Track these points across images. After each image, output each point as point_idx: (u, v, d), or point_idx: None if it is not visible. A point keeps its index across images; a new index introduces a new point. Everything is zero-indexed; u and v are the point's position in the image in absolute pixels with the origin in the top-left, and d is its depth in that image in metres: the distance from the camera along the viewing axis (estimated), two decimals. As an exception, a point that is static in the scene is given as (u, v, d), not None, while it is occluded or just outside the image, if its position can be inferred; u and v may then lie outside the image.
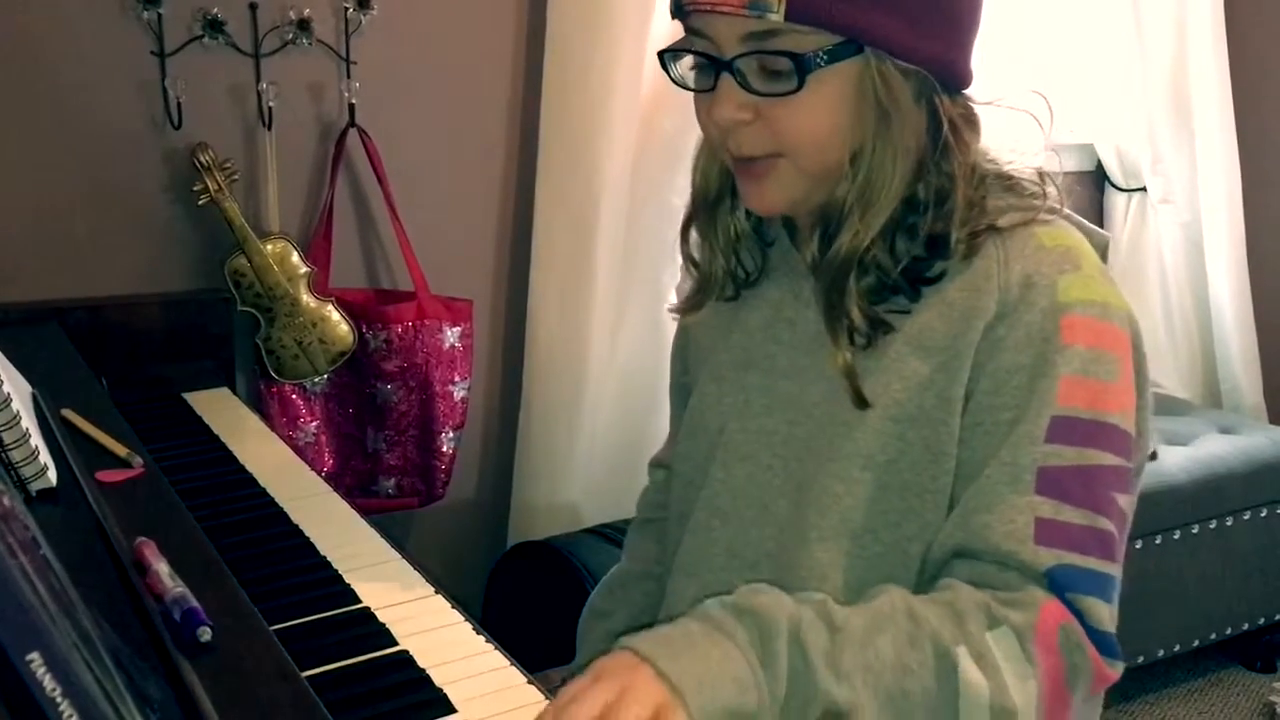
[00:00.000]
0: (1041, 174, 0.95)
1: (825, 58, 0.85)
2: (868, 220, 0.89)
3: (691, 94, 0.94)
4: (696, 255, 1.04)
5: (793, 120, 0.88)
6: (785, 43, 0.85)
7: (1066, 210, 0.95)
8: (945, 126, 0.89)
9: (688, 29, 0.91)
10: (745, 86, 0.88)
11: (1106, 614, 0.84)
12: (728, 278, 1.02)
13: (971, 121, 0.93)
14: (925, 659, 0.78)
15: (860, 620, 0.79)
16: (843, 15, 0.84)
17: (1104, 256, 0.95)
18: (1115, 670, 0.86)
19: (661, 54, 0.93)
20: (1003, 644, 0.80)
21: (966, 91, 0.93)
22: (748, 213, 1.01)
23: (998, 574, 0.84)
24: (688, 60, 0.93)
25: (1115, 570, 0.87)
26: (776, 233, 1.02)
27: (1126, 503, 0.88)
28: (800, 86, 0.86)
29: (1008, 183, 0.94)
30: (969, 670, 0.78)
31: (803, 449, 0.95)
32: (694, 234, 1.03)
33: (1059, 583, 0.83)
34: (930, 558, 0.90)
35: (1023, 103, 0.95)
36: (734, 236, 1.01)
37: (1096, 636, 0.83)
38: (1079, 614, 0.83)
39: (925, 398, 0.89)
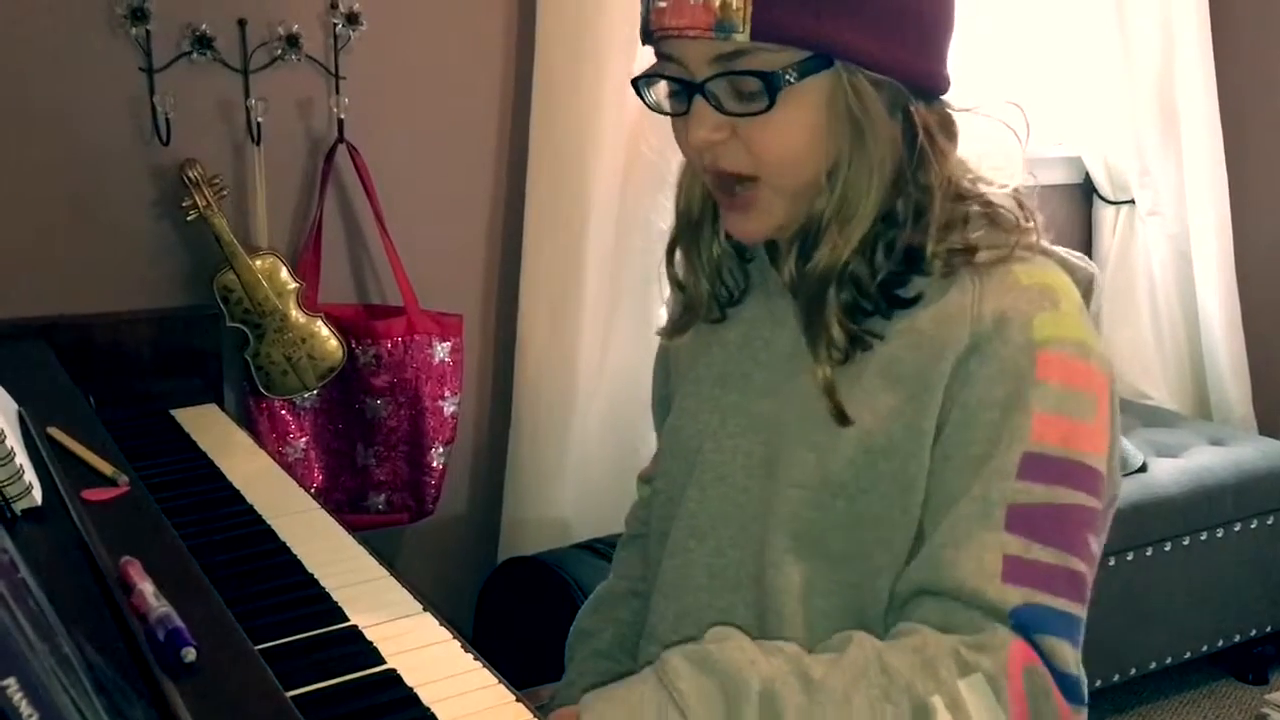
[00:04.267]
0: (1021, 203, 0.94)
1: (794, 74, 0.85)
2: (846, 234, 0.89)
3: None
4: (681, 277, 1.03)
5: (768, 138, 0.88)
6: (754, 62, 0.85)
7: (1044, 245, 0.93)
8: (921, 136, 0.89)
9: (658, 54, 0.91)
10: (718, 108, 0.87)
11: (1072, 657, 0.83)
12: (712, 300, 1.02)
13: (948, 129, 0.92)
14: (902, 713, 0.78)
15: (837, 675, 0.79)
16: (809, 30, 0.84)
17: (1088, 290, 0.94)
18: (1080, 716, 0.84)
19: (635, 81, 0.93)
20: (977, 692, 0.79)
21: (945, 97, 0.93)
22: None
23: (963, 613, 0.83)
24: (662, 85, 0.92)
25: (1082, 612, 0.85)
26: (755, 250, 1.02)
27: (1097, 545, 0.87)
28: (771, 105, 0.85)
29: (988, 212, 0.93)
30: None
31: (778, 472, 0.94)
32: (678, 256, 1.03)
33: (1025, 623, 0.82)
34: (896, 591, 0.89)
35: (1001, 112, 0.95)
36: (716, 257, 1.01)
37: (1061, 681, 0.82)
38: (1044, 656, 0.82)
39: (894, 429, 0.89)
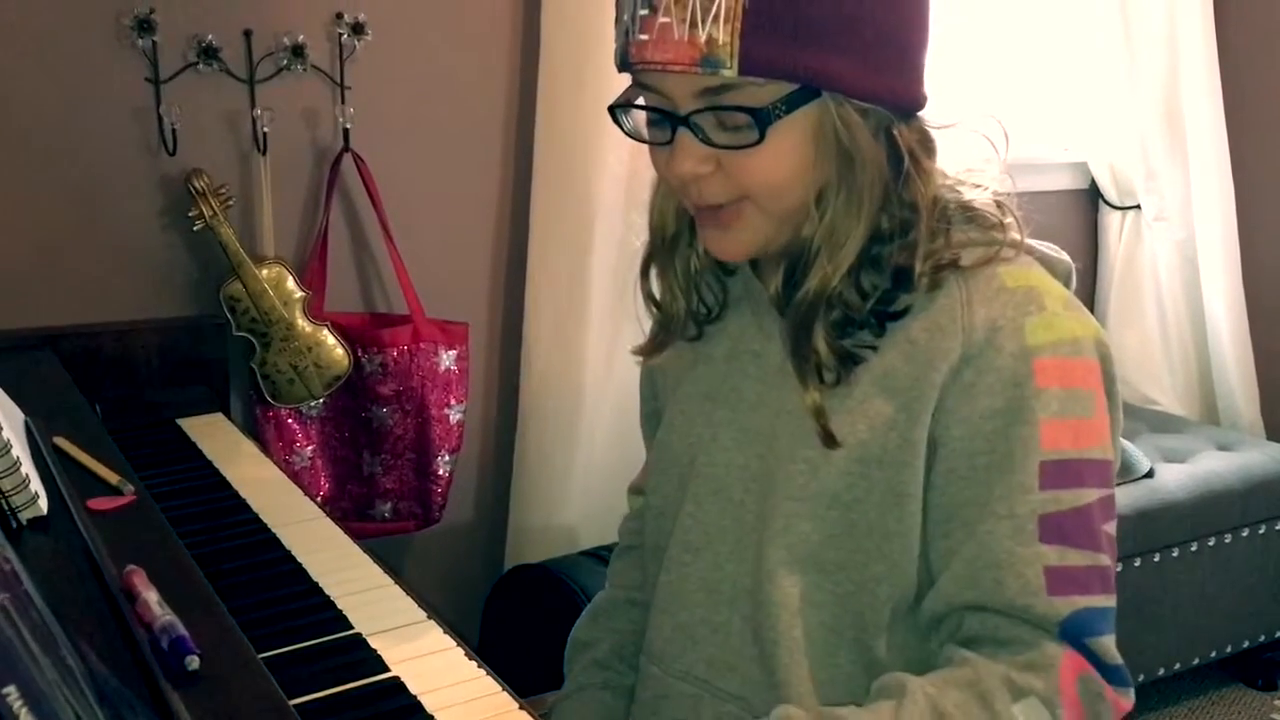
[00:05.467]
0: (1000, 204, 0.93)
1: (783, 108, 0.84)
2: (836, 261, 0.88)
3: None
4: (657, 295, 1.02)
5: (754, 170, 0.87)
6: (741, 97, 0.84)
7: (1029, 242, 0.94)
8: (906, 159, 0.88)
9: (637, 82, 0.90)
10: (705, 140, 0.86)
11: (1114, 645, 0.86)
12: (689, 317, 1.01)
13: (928, 145, 0.92)
14: None
15: None
16: (796, 63, 0.83)
17: (1067, 282, 0.94)
18: (1129, 699, 0.87)
19: (613, 109, 0.92)
20: (1032, 715, 0.81)
21: (921, 114, 0.92)
22: None
23: (1010, 627, 0.85)
24: (640, 112, 0.91)
25: (1114, 601, 0.87)
26: (738, 263, 1.01)
27: (1113, 528, 0.89)
28: (761, 139, 0.84)
29: (969, 214, 0.93)
30: None
31: (771, 483, 0.94)
32: (653, 274, 1.02)
33: (1074, 630, 0.84)
34: (929, 610, 0.89)
35: (980, 125, 0.94)
36: (693, 273, 1.00)
37: (1111, 672, 0.85)
38: (1094, 656, 0.84)
39: (889, 439, 0.89)
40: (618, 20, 0.89)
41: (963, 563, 0.87)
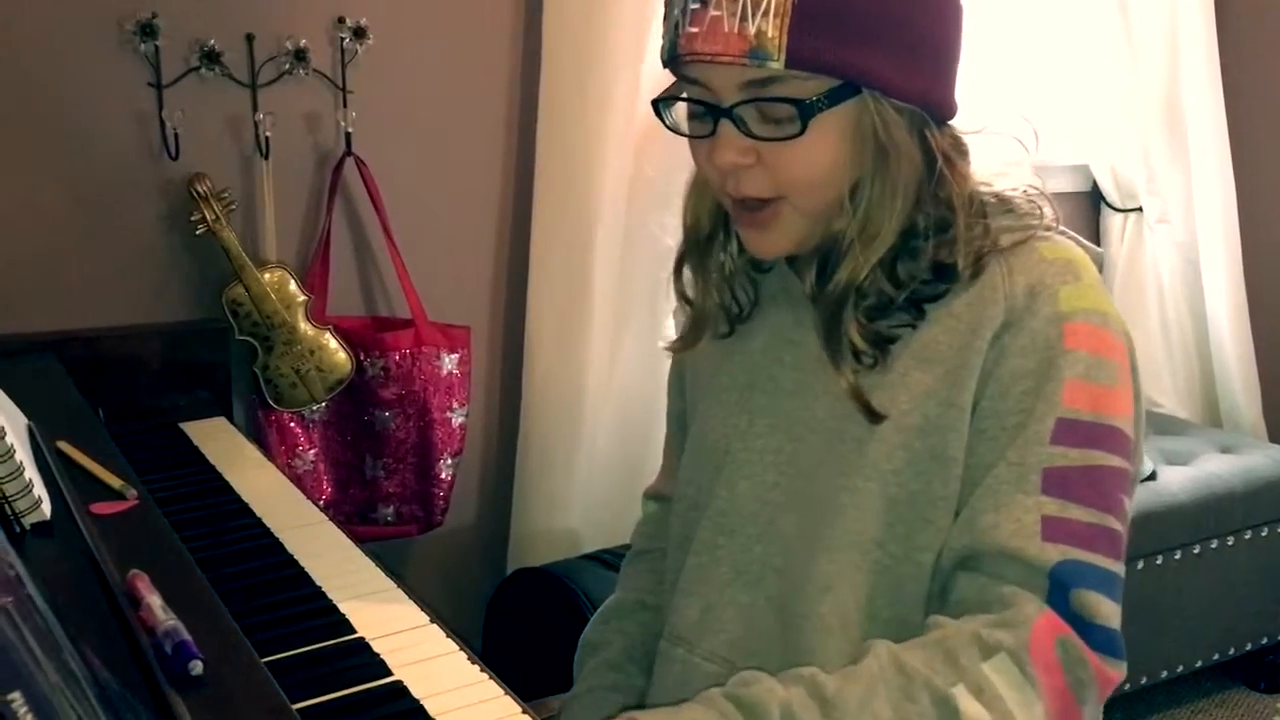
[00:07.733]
0: (1034, 193, 0.97)
1: (825, 101, 0.87)
2: (868, 254, 0.91)
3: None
4: (690, 293, 1.05)
5: (795, 162, 0.89)
6: (785, 89, 0.86)
7: (1062, 227, 0.96)
8: (939, 159, 0.91)
9: (680, 76, 0.92)
10: (746, 132, 0.89)
11: (1111, 610, 0.85)
12: (722, 314, 1.03)
13: (962, 150, 0.95)
14: (924, 709, 0.79)
15: (851, 688, 0.80)
16: (842, 59, 0.86)
17: (1098, 269, 0.97)
18: (1118, 671, 0.86)
19: (655, 102, 0.94)
20: (1001, 671, 0.81)
21: (953, 122, 0.95)
22: (740, 246, 1.01)
23: (996, 587, 0.85)
24: (681, 107, 0.94)
25: (1121, 569, 0.88)
26: (775, 260, 1.03)
27: (1129, 504, 0.90)
28: (803, 131, 0.87)
29: (1005, 204, 0.96)
30: (970, 708, 0.79)
31: (809, 465, 0.96)
32: (686, 272, 1.04)
33: (1064, 579, 0.84)
34: (940, 565, 0.91)
35: (1009, 128, 0.97)
36: (727, 272, 1.02)
37: (1099, 634, 0.84)
38: (1080, 613, 0.84)
39: (929, 406, 0.91)
40: (667, 16, 0.91)
41: (967, 510, 0.89)
